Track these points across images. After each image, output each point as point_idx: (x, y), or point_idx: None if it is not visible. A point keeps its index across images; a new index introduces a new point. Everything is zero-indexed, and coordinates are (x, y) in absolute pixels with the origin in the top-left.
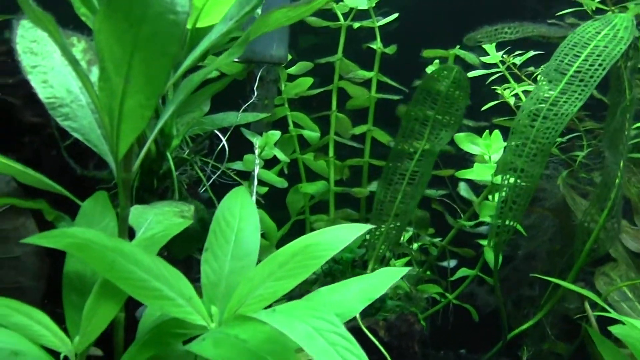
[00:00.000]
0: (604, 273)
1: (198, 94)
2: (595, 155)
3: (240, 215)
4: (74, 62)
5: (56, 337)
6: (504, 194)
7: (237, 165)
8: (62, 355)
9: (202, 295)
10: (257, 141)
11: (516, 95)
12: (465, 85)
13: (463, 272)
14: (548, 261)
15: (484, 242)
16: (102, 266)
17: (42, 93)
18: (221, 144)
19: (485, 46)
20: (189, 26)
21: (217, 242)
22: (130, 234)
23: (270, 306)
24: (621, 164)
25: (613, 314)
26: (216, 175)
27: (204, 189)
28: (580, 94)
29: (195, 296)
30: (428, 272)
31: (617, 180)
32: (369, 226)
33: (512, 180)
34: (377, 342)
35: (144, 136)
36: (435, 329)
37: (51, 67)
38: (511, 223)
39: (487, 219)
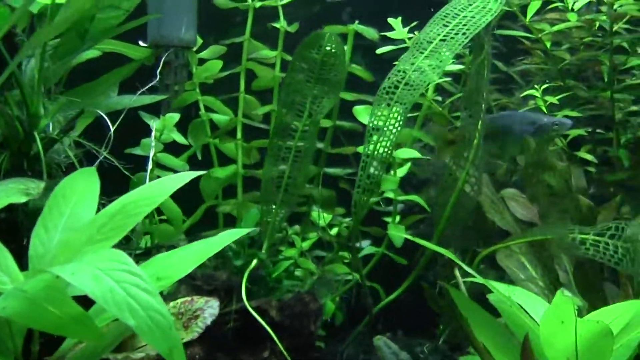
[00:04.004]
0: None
1: (103, 79)
2: None
3: (80, 191)
4: None
5: None
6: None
7: (137, 150)
8: None
9: None
10: (154, 124)
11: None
12: (340, 50)
13: (370, 249)
14: (462, 237)
15: (389, 219)
16: None
17: None
18: (113, 128)
19: (392, 21)
20: (48, 1)
21: (50, 215)
22: None
23: None
24: (479, 122)
25: (479, 279)
26: (101, 157)
27: None
28: (442, 62)
29: (13, 265)
30: (339, 253)
31: (475, 141)
32: (201, 172)
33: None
34: (262, 322)
35: None
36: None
37: None
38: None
39: (391, 194)
